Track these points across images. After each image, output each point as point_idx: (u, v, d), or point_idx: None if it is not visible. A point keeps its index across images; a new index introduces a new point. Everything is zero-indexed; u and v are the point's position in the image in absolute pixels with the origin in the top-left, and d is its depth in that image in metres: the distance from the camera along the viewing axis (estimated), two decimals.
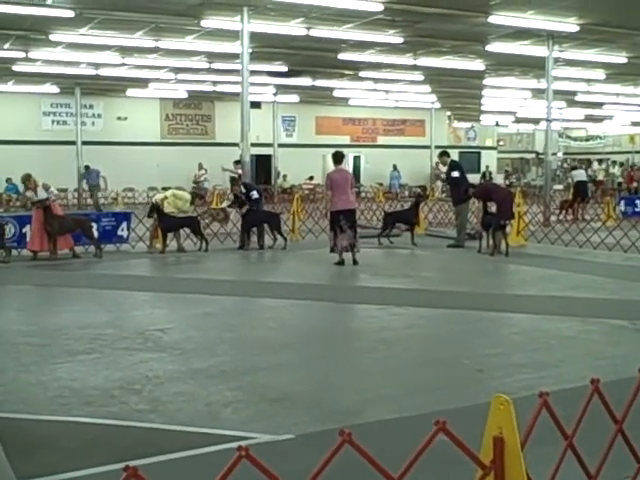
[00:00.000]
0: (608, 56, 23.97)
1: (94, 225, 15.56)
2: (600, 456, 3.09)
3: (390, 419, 5.34)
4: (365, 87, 32.44)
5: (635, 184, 31.90)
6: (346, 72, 28.08)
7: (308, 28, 19.65)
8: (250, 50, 18.78)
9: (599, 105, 38.26)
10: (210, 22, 18.90)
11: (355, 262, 13.64)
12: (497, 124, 47.60)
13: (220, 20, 18.78)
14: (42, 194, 14.99)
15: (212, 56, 24.49)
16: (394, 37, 21.00)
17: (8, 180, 29.96)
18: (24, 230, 15.08)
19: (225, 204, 20.18)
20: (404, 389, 6.18)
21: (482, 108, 40.54)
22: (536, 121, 43.70)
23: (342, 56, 23.88)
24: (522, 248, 16.19)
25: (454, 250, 16.17)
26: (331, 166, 14.72)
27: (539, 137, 47.23)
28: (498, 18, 18.47)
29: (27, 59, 24.13)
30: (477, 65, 25.90)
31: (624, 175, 38.57)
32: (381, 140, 41.79)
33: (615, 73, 27.78)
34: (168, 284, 12.16)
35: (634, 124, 46.68)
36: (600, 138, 52.49)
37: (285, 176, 37.07)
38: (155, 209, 15.82)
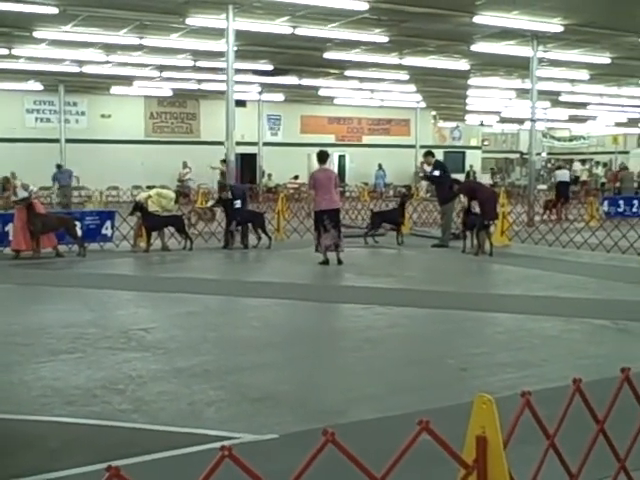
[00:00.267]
0: (592, 57, 24.13)
1: (78, 224, 15.48)
2: (582, 456, 3.11)
3: (374, 419, 5.34)
4: (350, 86, 32.47)
5: (618, 184, 32.05)
6: (331, 71, 28.10)
7: (294, 27, 19.64)
8: (235, 48, 18.75)
9: (583, 105, 38.49)
10: (195, 20, 18.85)
11: (340, 262, 13.64)
12: (482, 124, 47.80)
13: (205, 18, 18.74)
14: (22, 193, 14.90)
15: (197, 54, 24.45)
16: (380, 36, 21.03)
17: None
18: (6, 228, 14.95)
19: (210, 203, 20.16)
20: (388, 388, 6.18)
21: (467, 108, 40.70)
22: (520, 121, 43.91)
23: (328, 55, 23.89)
24: (506, 248, 16.27)
25: (438, 250, 16.21)
26: (316, 165, 14.71)
27: (523, 137, 47.47)
28: (483, 18, 18.54)
29: (10, 56, 23.97)
30: (462, 65, 25.99)
31: (608, 175, 38.76)
32: (366, 139, 41.85)
33: (599, 74, 27.96)
34: (152, 283, 12.11)
35: (617, 125, 46.98)
36: (584, 138, 52.76)
37: (270, 175, 37.01)
38: (138, 208, 15.76)
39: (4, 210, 17.80)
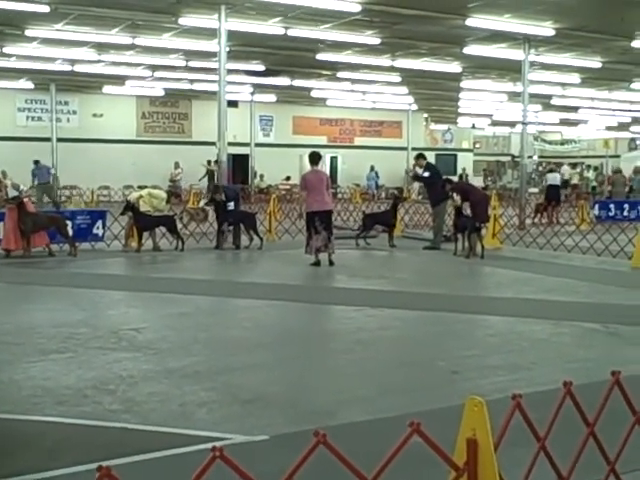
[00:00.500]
0: (583, 60, 24.26)
1: (69, 223, 15.44)
2: (572, 458, 3.12)
3: (365, 420, 5.34)
4: (343, 88, 32.51)
5: (610, 187, 32.13)
6: (324, 72, 28.12)
7: (286, 28, 19.65)
8: (227, 49, 18.75)
9: (574, 109, 38.64)
10: (187, 20, 18.84)
11: (331, 263, 13.64)
12: (473, 126, 47.91)
13: (198, 18, 18.73)
14: (12, 193, 14.84)
15: (189, 54, 24.43)
16: (372, 38, 21.06)
17: None
18: None
19: (202, 203, 20.15)
20: (379, 390, 6.19)
21: (459, 110, 40.80)
22: (512, 124, 44.03)
23: (320, 56, 23.91)
24: (497, 251, 16.30)
25: (430, 252, 16.23)
26: (308, 167, 14.71)
27: (515, 140, 47.58)
28: (475, 21, 18.60)
29: (2, 54, 23.92)
30: (454, 67, 26.06)
31: (598, 179, 38.90)
32: (358, 141, 41.90)
33: (590, 77, 28.09)
34: (143, 283, 12.09)
35: (608, 128, 47.16)
36: (575, 142, 52.97)
37: (262, 176, 37.00)
38: (130, 207, 15.72)
39: None
